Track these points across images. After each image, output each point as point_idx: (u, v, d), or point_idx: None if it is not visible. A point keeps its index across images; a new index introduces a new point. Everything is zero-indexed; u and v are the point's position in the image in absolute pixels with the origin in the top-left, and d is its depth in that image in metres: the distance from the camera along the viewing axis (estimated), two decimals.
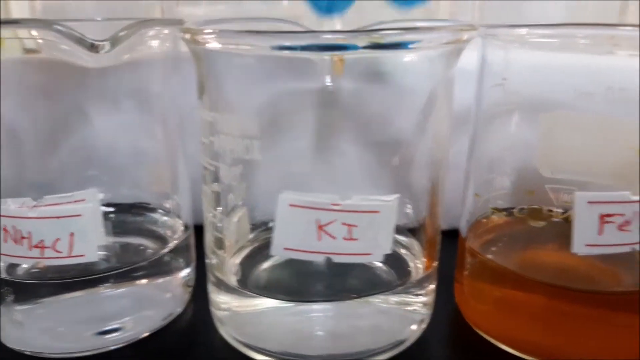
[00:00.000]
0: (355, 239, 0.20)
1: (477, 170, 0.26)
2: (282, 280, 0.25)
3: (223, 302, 0.24)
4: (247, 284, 0.25)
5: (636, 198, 0.20)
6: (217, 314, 0.25)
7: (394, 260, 0.26)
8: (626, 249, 0.21)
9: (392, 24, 0.26)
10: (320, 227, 0.20)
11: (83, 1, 0.38)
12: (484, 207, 0.26)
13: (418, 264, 0.26)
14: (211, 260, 0.24)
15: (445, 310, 0.27)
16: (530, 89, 0.25)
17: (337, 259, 0.21)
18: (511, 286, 0.24)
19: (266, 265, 0.26)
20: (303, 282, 0.25)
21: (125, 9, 0.38)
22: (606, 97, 0.25)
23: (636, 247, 0.21)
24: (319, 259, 0.20)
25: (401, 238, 0.26)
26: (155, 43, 0.26)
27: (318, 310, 0.24)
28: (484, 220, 0.26)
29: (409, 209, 0.26)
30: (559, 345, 0.23)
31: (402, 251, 0.26)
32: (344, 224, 0.20)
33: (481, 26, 0.23)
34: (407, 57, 0.24)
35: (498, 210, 0.26)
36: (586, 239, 0.21)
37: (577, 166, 0.26)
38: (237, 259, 0.25)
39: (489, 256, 0.25)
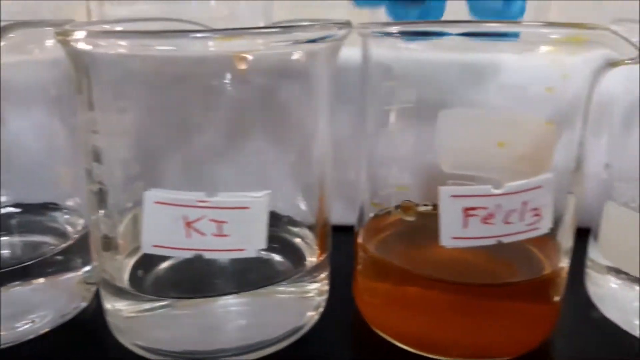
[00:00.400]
0: (225, 235, 0.21)
1: (368, 167, 0.26)
2: (177, 279, 0.26)
3: (113, 307, 0.24)
4: (142, 285, 0.25)
5: (497, 191, 0.21)
6: (110, 319, 0.25)
7: (291, 251, 0.27)
8: (492, 241, 0.21)
9: (281, 23, 0.26)
10: (188, 224, 0.20)
11: (6, 1, 0.38)
12: (375, 204, 0.26)
13: (312, 254, 0.26)
14: (97, 262, 0.24)
15: (346, 301, 0.27)
16: (418, 87, 0.25)
17: (208, 255, 0.21)
18: (396, 281, 0.25)
19: (165, 265, 0.26)
20: (199, 279, 0.25)
21: (52, 10, 0.38)
22: (499, 94, 0.26)
23: (502, 239, 0.21)
24: (189, 255, 0.21)
25: (296, 230, 0.27)
26: (50, 43, 0.26)
27: (216, 305, 0.24)
28: (376, 216, 0.26)
29: (302, 203, 0.27)
30: (442, 338, 0.24)
31: (298, 242, 0.27)
32: (212, 220, 0.20)
33: (359, 25, 0.23)
34: (294, 55, 0.24)
35: (389, 207, 0.26)
36: (452, 232, 0.21)
37: (475, 161, 0.27)
38: (132, 260, 0.26)
39: (376, 251, 0.25)
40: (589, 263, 0.28)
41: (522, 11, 0.26)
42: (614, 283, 0.26)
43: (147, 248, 0.21)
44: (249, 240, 0.21)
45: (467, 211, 0.21)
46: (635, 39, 0.21)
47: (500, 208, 0.21)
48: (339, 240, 0.27)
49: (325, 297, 0.27)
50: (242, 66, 0.25)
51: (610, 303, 0.27)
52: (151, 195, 0.20)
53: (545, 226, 0.21)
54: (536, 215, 0.21)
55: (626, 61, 0.21)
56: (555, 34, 0.20)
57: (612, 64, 0.22)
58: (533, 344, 0.25)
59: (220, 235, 0.21)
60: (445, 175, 0.26)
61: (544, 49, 0.22)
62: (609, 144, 0.26)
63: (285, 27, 0.21)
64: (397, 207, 0.26)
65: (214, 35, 0.19)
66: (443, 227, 0.21)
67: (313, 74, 0.24)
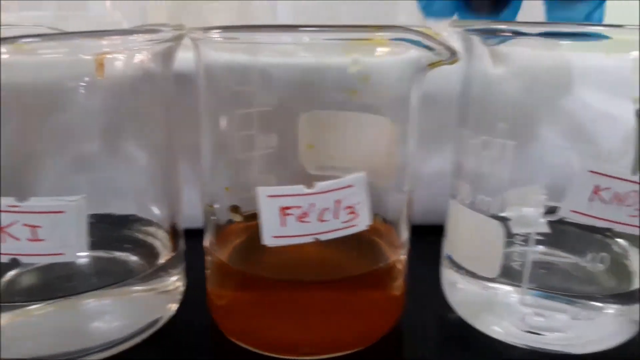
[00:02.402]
0: (41, 240, 0.21)
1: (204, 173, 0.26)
2: (27, 284, 0.26)
3: None
4: None
5: (309, 191, 0.21)
6: None
7: (146, 250, 0.28)
8: (309, 239, 0.22)
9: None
10: (1, 229, 0.20)
11: None
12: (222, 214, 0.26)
13: (166, 253, 0.27)
14: None
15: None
16: (236, 88, 0.25)
17: (25, 260, 0.21)
18: (238, 283, 0.25)
19: (14, 272, 0.26)
20: (52, 282, 0.26)
21: None
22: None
23: (319, 237, 0.22)
24: (6, 260, 0.21)
25: (152, 230, 0.28)
26: None
27: (72, 306, 0.24)
28: (222, 225, 0.26)
29: (155, 206, 0.27)
30: (288, 338, 0.24)
31: (152, 241, 0.28)
32: (26, 225, 0.20)
33: (192, 29, 0.24)
34: (135, 58, 0.25)
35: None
36: (272, 231, 0.21)
37: (338, 162, 0.27)
38: None
39: (218, 255, 0.25)
40: (442, 261, 0.28)
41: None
42: (460, 280, 0.27)
43: None
44: (67, 245, 0.21)
45: (284, 210, 0.21)
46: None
47: (314, 206, 0.21)
48: None
49: (181, 290, 0.27)
50: (101, 74, 0.25)
51: (459, 300, 0.27)
52: None
53: (362, 223, 0.22)
54: (351, 213, 0.22)
55: (443, 62, 0.22)
56: (350, 36, 0.21)
57: (431, 64, 0.22)
58: (376, 336, 0.25)
59: (36, 240, 0.21)
60: (311, 176, 0.27)
61: (348, 50, 0.22)
62: (453, 144, 0.27)
63: (113, 31, 0.22)
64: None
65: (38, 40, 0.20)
66: (264, 226, 0.21)
67: (156, 78, 0.25)
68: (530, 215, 0.25)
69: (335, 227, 0.22)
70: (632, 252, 0.27)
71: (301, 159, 0.27)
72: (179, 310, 0.27)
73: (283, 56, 0.24)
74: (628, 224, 0.22)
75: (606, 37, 0.23)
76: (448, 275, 0.27)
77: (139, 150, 0.27)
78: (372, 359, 0.25)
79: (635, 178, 0.21)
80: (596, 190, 0.21)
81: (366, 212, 0.22)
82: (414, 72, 0.23)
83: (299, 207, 0.21)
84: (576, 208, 0.22)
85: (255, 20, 0.40)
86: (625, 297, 0.25)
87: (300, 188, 0.21)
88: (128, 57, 0.25)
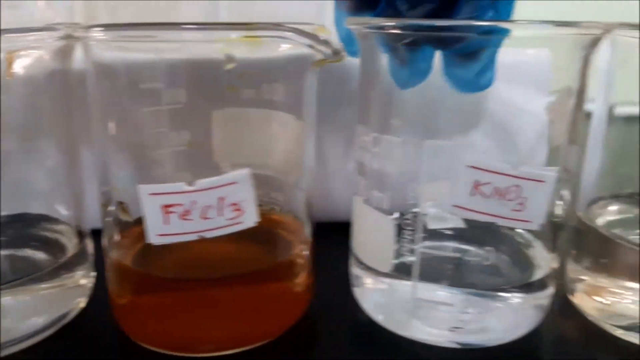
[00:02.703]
0: None
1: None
2: None
3: None
4: None
5: (190, 188, 0.21)
6: None
7: (53, 248, 0.28)
8: (194, 236, 0.22)
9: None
10: None
11: None
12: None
13: (72, 249, 0.27)
14: None
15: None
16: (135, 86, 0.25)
17: None
18: (135, 283, 0.25)
19: None
20: None
21: None
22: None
23: (203, 234, 0.22)
24: None
25: (58, 227, 0.28)
26: None
27: None
28: (117, 225, 0.26)
29: (60, 205, 0.27)
30: (188, 336, 0.24)
31: (58, 238, 0.28)
32: None
33: (78, 27, 0.23)
34: (37, 57, 0.25)
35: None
36: (156, 229, 0.21)
37: (253, 159, 0.27)
38: None
39: (115, 255, 0.25)
40: (350, 257, 0.28)
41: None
42: (362, 275, 0.27)
43: None
44: None
45: (166, 208, 0.21)
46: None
47: (196, 204, 0.21)
48: None
49: (89, 287, 0.28)
50: (10, 73, 0.25)
51: (363, 294, 0.27)
52: None
53: (249, 220, 0.22)
54: (237, 210, 0.22)
55: (327, 60, 0.22)
56: (232, 34, 0.21)
57: (315, 62, 0.23)
58: (279, 330, 0.25)
59: None
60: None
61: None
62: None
63: None
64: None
65: None
66: (148, 225, 0.21)
67: (56, 76, 0.25)
68: (442, 211, 0.26)
69: (220, 225, 0.22)
70: (535, 242, 0.27)
71: (215, 156, 0.27)
72: (89, 307, 0.27)
73: (176, 53, 0.24)
74: (511, 219, 0.22)
75: (505, 32, 0.23)
76: (354, 271, 0.27)
77: (45, 148, 0.27)
78: (281, 354, 0.25)
79: (514, 172, 0.21)
80: (476, 185, 0.22)
81: (253, 209, 0.22)
82: (303, 69, 0.23)
83: (180, 204, 0.21)
84: (458, 203, 0.22)
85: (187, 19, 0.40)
86: (528, 287, 0.26)
87: (181, 185, 0.21)
88: (29, 56, 0.25)
